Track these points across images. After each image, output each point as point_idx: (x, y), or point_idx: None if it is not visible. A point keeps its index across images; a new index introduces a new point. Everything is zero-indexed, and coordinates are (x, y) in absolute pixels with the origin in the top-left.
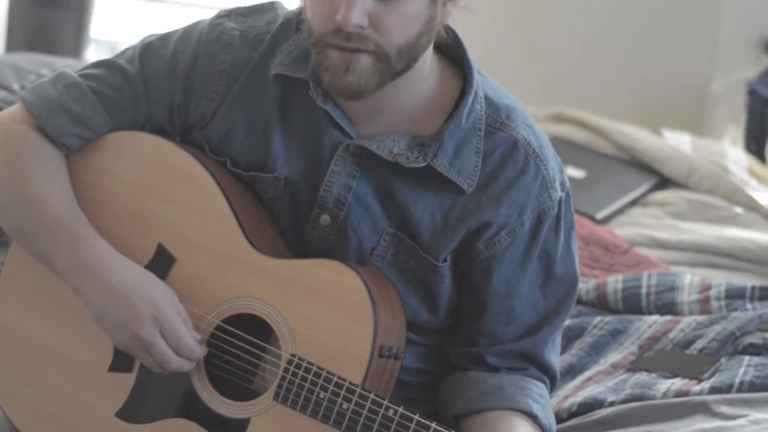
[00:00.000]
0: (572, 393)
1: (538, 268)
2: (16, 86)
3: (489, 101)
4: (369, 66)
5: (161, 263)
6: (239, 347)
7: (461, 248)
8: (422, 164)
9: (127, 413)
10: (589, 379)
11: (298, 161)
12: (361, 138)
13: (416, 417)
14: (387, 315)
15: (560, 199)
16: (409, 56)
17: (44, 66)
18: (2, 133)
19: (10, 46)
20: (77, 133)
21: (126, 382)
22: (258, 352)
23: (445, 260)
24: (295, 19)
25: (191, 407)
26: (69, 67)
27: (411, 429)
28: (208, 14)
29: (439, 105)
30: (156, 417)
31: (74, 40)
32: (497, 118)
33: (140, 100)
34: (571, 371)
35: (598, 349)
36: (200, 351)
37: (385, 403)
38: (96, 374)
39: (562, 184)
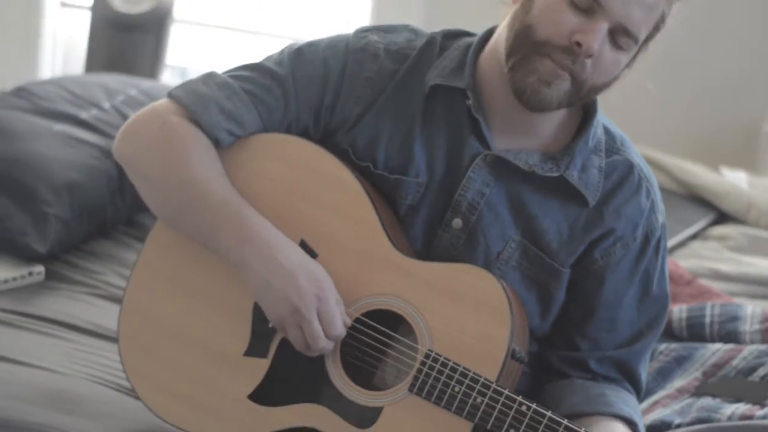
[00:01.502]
0: (641, 415)
1: (638, 285)
2: (106, 105)
3: (606, 129)
4: (565, 90)
5: None
6: (374, 338)
7: (579, 256)
8: (556, 174)
9: (260, 396)
10: (656, 403)
11: (437, 167)
12: (498, 150)
13: (548, 414)
14: (519, 321)
15: (663, 225)
16: (590, 96)
17: (132, 87)
18: (158, 122)
19: (90, 68)
20: (229, 129)
21: (260, 366)
22: (390, 344)
23: (569, 267)
24: (440, 40)
25: (324, 393)
26: (160, 87)
27: (543, 424)
28: (277, 43)
29: (566, 127)
30: (289, 401)
31: (151, 64)
32: (614, 144)
33: (289, 100)
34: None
35: (664, 375)
36: (343, 333)
37: (519, 399)
38: (231, 358)
39: (663, 212)
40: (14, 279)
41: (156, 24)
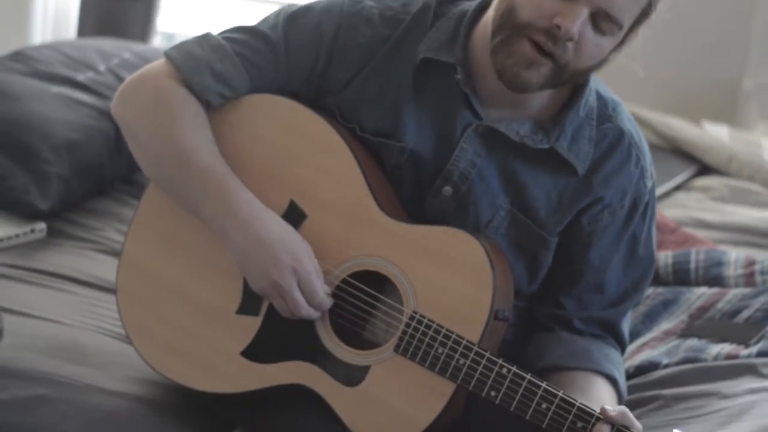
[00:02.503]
0: (629, 357)
1: (625, 249)
2: (102, 67)
3: (599, 95)
4: (547, 74)
5: (292, 219)
6: (360, 299)
7: (567, 224)
8: (546, 146)
9: (252, 353)
10: (644, 345)
11: (426, 135)
12: (489, 120)
13: (528, 377)
14: (502, 281)
15: (651, 189)
16: (573, 79)
17: (126, 50)
18: (151, 85)
19: (81, 35)
20: (220, 91)
21: (252, 324)
22: (376, 304)
23: (557, 235)
24: (434, 5)
25: (313, 351)
26: (153, 50)
27: (522, 387)
28: (267, 8)
29: (556, 95)
30: (280, 358)
31: (141, 30)
32: (606, 111)
33: (281, 65)
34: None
35: (651, 318)
36: (328, 303)
37: (500, 362)
38: (224, 315)
39: (652, 175)
40: (17, 236)
41: None
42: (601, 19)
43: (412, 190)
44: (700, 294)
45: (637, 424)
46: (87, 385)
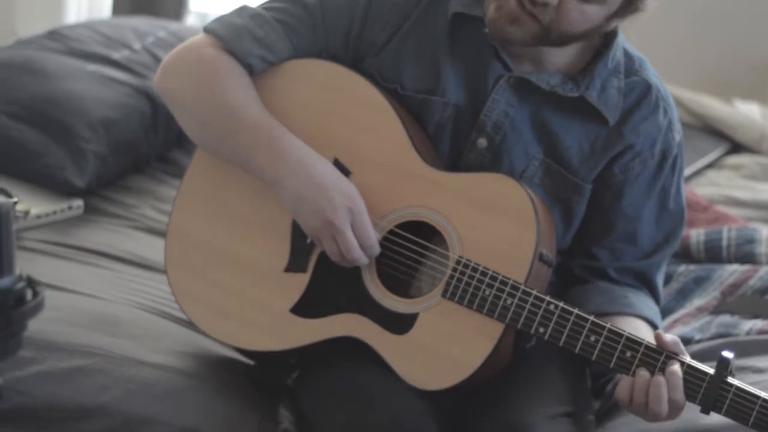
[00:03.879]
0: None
1: (656, 200)
2: (137, 46)
3: (626, 51)
4: (532, 32)
5: None
6: (408, 248)
7: (600, 172)
8: (576, 94)
9: (301, 309)
10: (676, 321)
11: (463, 89)
12: (520, 71)
13: (575, 311)
14: (546, 225)
15: (679, 143)
16: (565, 42)
17: (161, 29)
18: (194, 55)
19: (116, 13)
20: (262, 55)
21: (301, 281)
22: (425, 252)
23: (591, 183)
24: None
25: (362, 303)
26: (187, 29)
27: (570, 321)
28: None
29: (585, 49)
30: (329, 312)
31: (175, 9)
32: (633, 66)
33: (319, 28)
34: (661, 313)
35: (684, 294)
36: (378, 248)
37: (547, 298)
38: (272, 274)
39: (680, 130)
40: (54, 213)
41: None
42: None
43: (450, 146)
44: (732, 271)
45: (686, 353)
46: (124, 356)
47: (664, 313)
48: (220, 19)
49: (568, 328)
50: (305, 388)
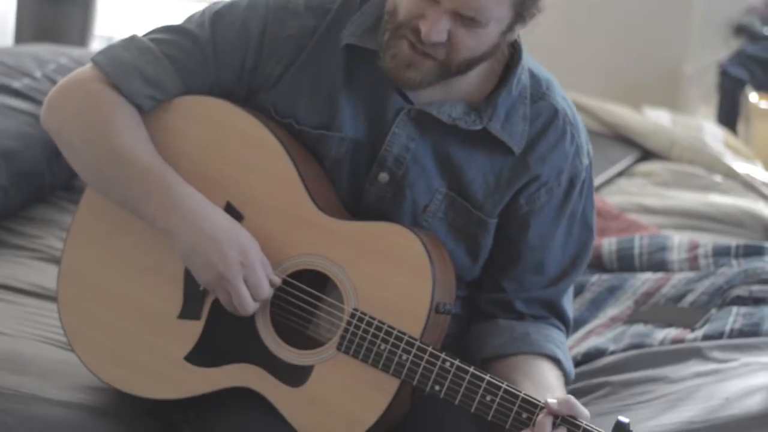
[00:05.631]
0: (576, 344)
1: (564, 227)
2: (38, 74)
3: (532, 73)
4: (430, 69)
5: None
6: (301, 299)
7: (505, 205)
8: (479, 127)
9: (196, 357)
10: (590, 332)
11: (361, 123)
12: (421, 104)
13: (471, 369)
14: (442, 274)
15: (587, 167)
16: (468, 67)
17: (62, 55)
18: (81, 91)
19: (19, 41)
20: (151, 94)
21: (195, 328)
22: (317, 303)
23: (496, 216)
24: None
25: (257, 353)
26: (90, 55)
27: (466, 380)
28: (203, 6)
29: (489, 74)
30: (224, 362)
31: (80, 35)
32: (539, 89)
33: (210, 63)
34: (574, 325)
35: (597, 304)
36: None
37: (442, 356)
38: (166, 321)
39: (589, 153)
40: None
41: None
42: (466, 17)
43: (350, 181)
44: (645, 279)
45: (584, 412)
46: (29, 395)
47: (578, 323)
48: (108, 51)
49: (463, 386)
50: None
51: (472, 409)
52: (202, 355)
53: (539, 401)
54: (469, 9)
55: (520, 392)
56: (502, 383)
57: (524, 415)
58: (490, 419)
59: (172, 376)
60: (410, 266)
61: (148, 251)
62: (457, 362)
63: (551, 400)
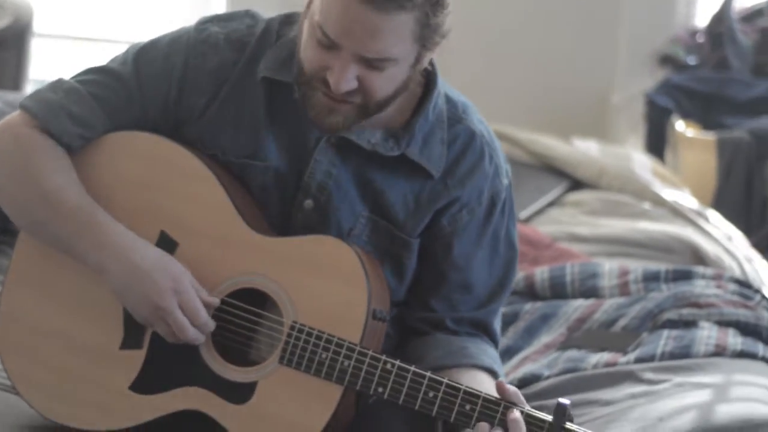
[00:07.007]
0: (511, 371)
1: (488, 247)
2: None
3: (448, 98)
4: (350, 111)
5: (164, 248)
6: (242, 317)
7: (427, 225)
8: (397, 153)
9: (140, 386)
10: (525, 359)
11: (284, 152)
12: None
13: (412, 368)
14: (376, 282)
15: (507, 186)
16: (387, 105)
17: None
18: (9, 135)
19: None
20: (79, 133)
21: (137, 357)
22: (259, 320)
23: (418, 237)
24: (276, 27)
25: (201, 375)
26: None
27: (408, 379)
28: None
29: (406, 101)
30: (169, 387)
31: (13, 79)
32: (456, 113)
33: (135, 100)
34: (509, 352)
35: (531, 332)
36: (212, 323)
37: (383, 358)
38: (108, 353)
39: (507, 172)
40: None
41: (16, 39)
42: (371, 60)
43: (278, 208)
44: (577, 306)
45: (525, 404)
46: None
47: (512, 351)
48: (35, 95)
49: (406, 386)
50: None
51: (416, 407)
52: (146, 383)
53: (481, 392)
54: (371, 51)
55: (462, 385)
56: (443, 378)
57: (467, 407)
58: (434, 415)
59: (118, 407)
60: (345, 275)
61: (85, 286)
62: (398, 363)
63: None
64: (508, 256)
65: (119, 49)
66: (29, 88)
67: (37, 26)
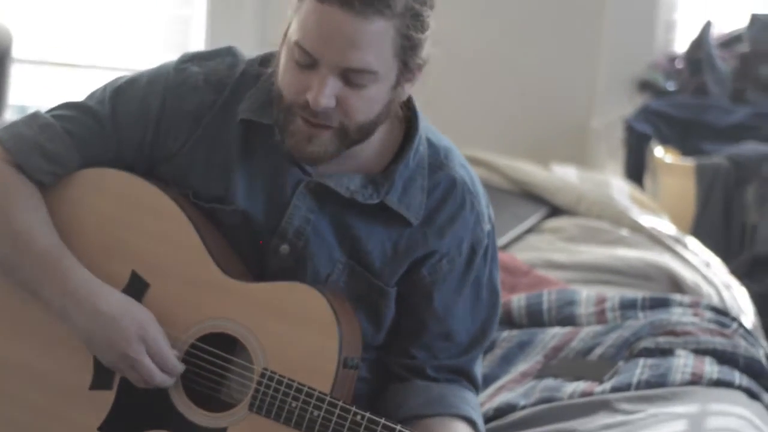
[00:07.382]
0: (487, 400)
1: (469, 295)
2: None
3: (430, 143)
4: (330, 139)
5: (135, 289)
6: (211, 362)
7: (405, 273)
8: (376, 201)
9: (109, 427)
10: (501, 387)
11: (257, 195)
12: (319, 176)
13: (382, 421)
14: (348, 330)
15: (489, 232)
16: (368, 131)
17: None
18: None
19: None
20: (52, 170)
21: (107, 398)
22: (228, 366)
23: (395, 285)
24: (256, 67)
25: (170, 419)
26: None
27: (378, 431)
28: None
29: (387, 145)
30: (137, 429)
31: None
32: (438, 158)
33: (110, 139)
34: (485, 381)
35: (508, 360)
36: (181, 367)
37: (353, 409)
38: (77, 392)
39: (490, 217)
40: None
41: None
42: (351, 75)
43: (250, 251)
44: (554, 334)
45: None
46: None
47: (489, 380)
48: (10, 128)
49: None
50: None
51: None
52: (115, 424)
53: None
54: (350, 61)
55: None
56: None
57: None
58: None
59: None
60: (316, 323)
61: (55, 324)
62: (368, 415)
63: None
64: (491, 301)
65: (99, 75)
66: (9, 114)
67: (16, 52)
